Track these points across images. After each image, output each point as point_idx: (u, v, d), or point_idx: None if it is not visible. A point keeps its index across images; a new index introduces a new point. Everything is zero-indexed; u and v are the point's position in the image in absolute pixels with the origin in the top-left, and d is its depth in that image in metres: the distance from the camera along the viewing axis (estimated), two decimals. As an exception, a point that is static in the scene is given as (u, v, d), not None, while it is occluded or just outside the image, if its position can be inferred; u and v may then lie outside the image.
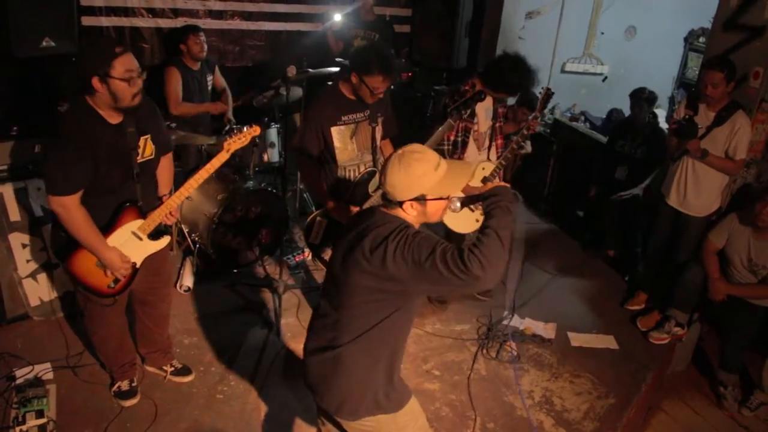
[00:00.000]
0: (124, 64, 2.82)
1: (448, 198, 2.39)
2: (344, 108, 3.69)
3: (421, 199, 2.32)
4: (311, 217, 3.80)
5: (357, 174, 3.78)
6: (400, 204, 2.34)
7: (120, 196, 3.11)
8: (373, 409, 2.47)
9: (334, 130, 3.66)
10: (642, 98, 5.69)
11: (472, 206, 4.35)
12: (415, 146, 2.38)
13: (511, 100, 6.33)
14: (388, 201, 2.37)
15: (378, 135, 3.86)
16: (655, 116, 5.99)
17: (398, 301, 2.32)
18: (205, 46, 5.41)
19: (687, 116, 4.33)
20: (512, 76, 4.10)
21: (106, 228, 3.10)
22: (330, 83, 3.78)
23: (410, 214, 2.35)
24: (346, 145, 3.72)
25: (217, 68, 5.78)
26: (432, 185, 2.32)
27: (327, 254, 3.76)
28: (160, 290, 3.65)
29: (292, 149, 3.73)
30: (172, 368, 3.89)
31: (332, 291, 2.44)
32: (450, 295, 4.69)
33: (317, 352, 2.49)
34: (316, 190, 3.77)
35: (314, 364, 2.51)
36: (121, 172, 3.04)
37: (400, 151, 2.35)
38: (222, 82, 5.83)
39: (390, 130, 3.99)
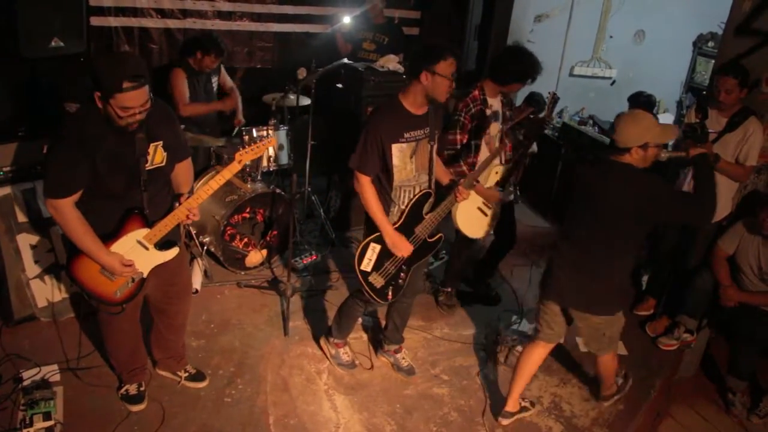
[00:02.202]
0: (126, 101, 2.74)
1: (658, 147, 3.24)
2: (407, 124, 3.44)
3: (645, 146, 3.18)
4: (364, 243, 3.58)
5: (412, 195, 3.58)
6: (629, 150, 3.18)
7: (126, 203, 3.05)
8: (614, 308, 3.52)
9: (395, 148, 3.40)
10: (639, 102, 5.71)
11: (484, 209, 4.37)
12: (639, 110, 3.36)
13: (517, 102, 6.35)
14: (619, 149, 3.21)
15: (434, 153, 3.63)
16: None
17: (647, 227, 3.32)
18: (214, 67, 5.39)
19: (697, 121, 4.29)
20: (516, 64, 4.14)
21: (111, 235, 3.06)
22: (391, 98, 3.51)
23: (634, 157, 3.20)
24: (405, 165, 3.48)
25: (222, 68, 5.74)
26: (653, 135, 3.19)
27: (376, 280, 3.62)
28: (176, 301, 3.61)
29: (350, 169, 3.49)
30: (186, 374, 3.87)
31: (582, 222, 3.38)
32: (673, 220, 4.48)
33: (572, 266, 3.45)
34: (379, 216, 3.50)
35: (568, 273, 3.46)
36: (125, 179, 2.98)
37: (631, 112, 3.36)
38: (228, 81, 5.77)
39: (442, 146, 3.81)
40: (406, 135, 3.42)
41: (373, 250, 3.58)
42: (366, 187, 3.47)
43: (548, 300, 3.64)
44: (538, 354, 3.77)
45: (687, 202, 3.42)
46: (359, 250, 3.58)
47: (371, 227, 3.58)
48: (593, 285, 3.41)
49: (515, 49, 4.27)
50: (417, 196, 3.58)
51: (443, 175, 3.78)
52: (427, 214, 3.63)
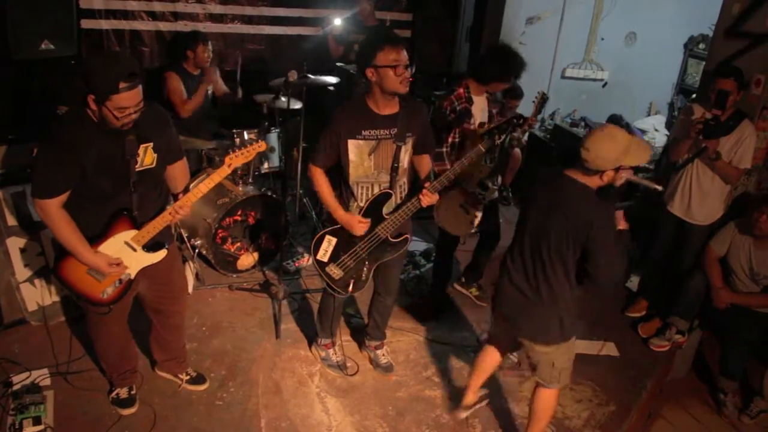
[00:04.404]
0: (123, 101, 2.73)
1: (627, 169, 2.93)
2: (367, 122, 3.46)
3: (617, 169, 2.88)
4: (320, 234, 3.65)
5: (370, 194, 3.60)
6: (600, 173, 2.89)
7: (115, 204, 3.04)
8: (559, 336, 3.19)
9: (352, 143, 3.45)
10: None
11: (468, 208, 4.38)
12: (613, 126, 2.96)
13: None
14: (588, 170, 2.91)
15: (403, 155, 3.58)
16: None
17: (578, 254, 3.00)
18: (211, 55, 5.39)
19: (714, 116, 4.19)
20: (497, 63, 4.16)
21: (99, 236, 3.04)
22: (357, 96, 3.61)
23: (603, 181, 2.93)
24: (362, 161, 3.51)
25: (218, 72, 5.72)
26: (630, 158, 2.86)
27: (333, 271, 3.67)
28: (171, 301, 3.59)
29: (311, 163, 3.55)
30: (188, 377, 3.86)
31: (531, 242, 3.11)
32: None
33: (517, 287, 3.20)
34: (329, 200, 3.59)
35: (514, 294, 3.22)
36: (114, 180, 2.97)
37: (605, 129, 2.90)
38: (222, 86, 5.78)
39: (427, 146, 3.75)
40: (365, 133, 3.46)
41: (329, 242, 3.65)
42: (317, 175, 3.57)
43: (497, 317, 3.55)
44: (493, 355, 3.71)
45: (615, 255, 2.97)
46: (315, 240, 3.66)
47: (331, 220, 3.63)
48: (537, 310, 3.17)
49: (498, 48, 4.31)
50: (375, 195, 3.59)
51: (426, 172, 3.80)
52: (388, 214, 3.62)
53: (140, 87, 2.79)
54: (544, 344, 3.22)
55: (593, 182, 2.95)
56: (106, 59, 2.77)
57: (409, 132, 3.56)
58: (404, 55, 3.32)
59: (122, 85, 2.70)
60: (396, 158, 3.55)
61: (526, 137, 6.09)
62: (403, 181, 3.67)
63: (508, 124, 3.77)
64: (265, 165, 5.36)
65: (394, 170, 3.58)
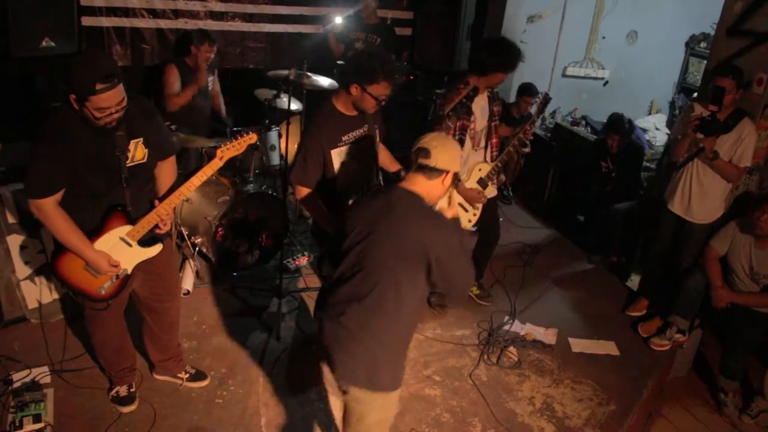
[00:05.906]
0: (101, 102, 2.71)
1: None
2: (343, 127, 3.46)
3: (456, 176, 2.71)
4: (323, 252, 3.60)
5: (362, 194, 3.59)
6: (443, 173, 2.63)
7: (108, 201, 3.04)
8: (389, 383, 2.72)
9: (335, 152, 3.43)
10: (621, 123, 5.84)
11: (465, 205, 4.38)
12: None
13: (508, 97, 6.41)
14: (432, 170, 2.61)
15: (377, 149, 3.62)
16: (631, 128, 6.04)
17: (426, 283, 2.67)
18: (212, 57, 5.41)
19: (711, 113, 4.18)
20: (495, 53, 4.13)
21: (94, 232, 3.04)
22: (324, 103, 3.51)
23: (444, 186, 2.66)
24: (347, 167, 3.52)
25: (216, 72, 5.73)
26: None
27: None
28: (166, 297, 3.58)
29: (292, 183, 3.46)
30: (188, 375, 3.85)
31: (351, 265, 2.66)
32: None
33: (338, 322, 2.67)
34: (331, 223, 3.45)
35: (332, 331, 2.69)
36: (106, 177, 2.96)
37: (440, 135, 2.78)
38: (217, 87, 5.78)
39: (382, 134, 3.78)
40: (344, 138, 3.44)
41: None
42: (308, 198, 3.43)
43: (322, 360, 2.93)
44: None
45: (468, 265, 2.71)
46: (320, 256, 3.56)
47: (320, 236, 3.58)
48: (358, 347, 2.63)
49: (495, 39, 4.31)
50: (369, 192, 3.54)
51: (390, 163, 3.78)
52: None
53: (120, 87, 2.76)
54: (361, 388, 2.66)
55: (433, 189, 2.66)
56: (83, 60, 2.75)
57: (375, 123, 3.61)
58: (390, 91, 3.35)
59: (99, 86, 2.67)
60: (374, 154, 3.58)
61: (528, 147, 6.12)
62: (379, 170, 3.68)
63: (468, 97, 3.98)
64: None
65: (375, 166, 3.60)
